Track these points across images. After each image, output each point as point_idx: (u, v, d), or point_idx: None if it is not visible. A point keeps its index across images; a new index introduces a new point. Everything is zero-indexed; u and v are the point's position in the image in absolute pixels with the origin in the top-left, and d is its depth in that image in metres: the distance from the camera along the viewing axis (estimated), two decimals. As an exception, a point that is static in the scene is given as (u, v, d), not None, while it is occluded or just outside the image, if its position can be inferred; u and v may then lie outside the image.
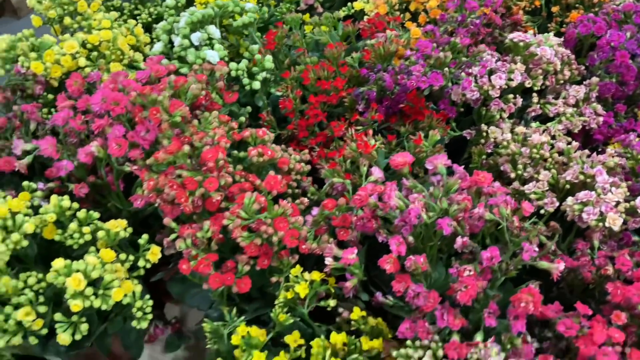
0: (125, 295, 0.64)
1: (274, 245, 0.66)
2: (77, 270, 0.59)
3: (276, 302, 0.69)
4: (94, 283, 0.61)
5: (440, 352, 0.57)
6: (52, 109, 0.89)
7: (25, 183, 0.72)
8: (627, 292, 0.58)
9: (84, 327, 0.61)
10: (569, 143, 0.76)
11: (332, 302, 0.70)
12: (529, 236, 0.60)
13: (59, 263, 0.59)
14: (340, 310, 0.70)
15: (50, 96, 0.90)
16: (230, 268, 0.65)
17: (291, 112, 0.87)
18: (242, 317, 0.70)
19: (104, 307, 0.60)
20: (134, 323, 0.66)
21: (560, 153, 0.76)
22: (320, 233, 0.69)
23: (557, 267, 0.58)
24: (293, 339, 0.66)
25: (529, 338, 0.59)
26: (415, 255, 0.60)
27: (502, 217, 0.61)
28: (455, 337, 0.57)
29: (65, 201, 0.65)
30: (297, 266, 0.70)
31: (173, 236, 0.65)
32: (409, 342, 0.59)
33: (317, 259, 0.76)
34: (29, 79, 0.84)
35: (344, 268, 0.68)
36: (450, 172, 0.66)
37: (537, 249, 0.59)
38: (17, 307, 0.60)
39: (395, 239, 0.61)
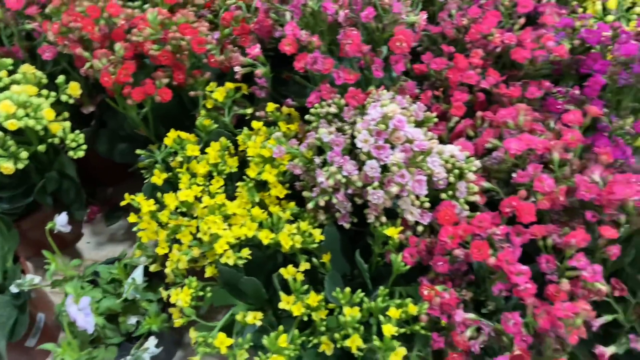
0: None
1: (185, 58, 0.74)
2: (4, 99, 0.63)
3: (199, 115, 0.77)
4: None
5: (342, 102, 0.68)
6: None
7: None
8: (479, 29, 0.72)
9: (24, 154, 0.66)
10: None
11: (249, 110, 0.79)
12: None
13: (-16, 95, 0.63)
14: (257, 113, 0.79)
15: None
16: (150, 83, 0.71)
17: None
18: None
19: (38, 127, 0.64)
20: (70, 153, 0.71)
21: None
22: (225, 47, 0.77)
23: (421, 17, 0.70)
24: (219, 142, 0.74)
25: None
26: (306, 33, 0.70)
27: (373, -8, 0.72)
28: (352, 88, 0.69)
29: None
30: (212, 83, 0.78)
31: (88, 64, 0.70)
32: (316, 105, 0.70)
33: (221, 78, 0.84)
34: None
35: (252, 73, 0.77)
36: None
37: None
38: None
39: (290, 24, 0.70)
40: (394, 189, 0.58)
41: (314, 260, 0.65)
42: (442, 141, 0.70)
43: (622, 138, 0.68)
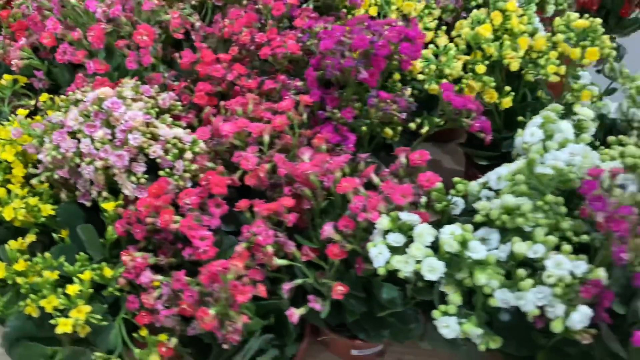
0: None
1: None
2: None
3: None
4: None
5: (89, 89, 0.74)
6: None
7: None
8: (231, 28, 0.79)
9: None
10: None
11: (32, 101, 0.84)
12: None
13: None
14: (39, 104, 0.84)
15: None
16: None
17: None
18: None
19: None
20: None
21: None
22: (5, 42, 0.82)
23: (172, 15, 0.77)
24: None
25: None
26: (62, 27, 0.75)
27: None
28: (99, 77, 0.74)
29: None
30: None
31: None
32: (70, 92, 0.75)
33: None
34: None
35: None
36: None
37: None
38: None
39: (50, 20, 0.76)
40: (99, 164, 0.63)
41: (55, 235, 0.69)
42: (192, 127, 0.76)
43: (347, 126, 0.75)
